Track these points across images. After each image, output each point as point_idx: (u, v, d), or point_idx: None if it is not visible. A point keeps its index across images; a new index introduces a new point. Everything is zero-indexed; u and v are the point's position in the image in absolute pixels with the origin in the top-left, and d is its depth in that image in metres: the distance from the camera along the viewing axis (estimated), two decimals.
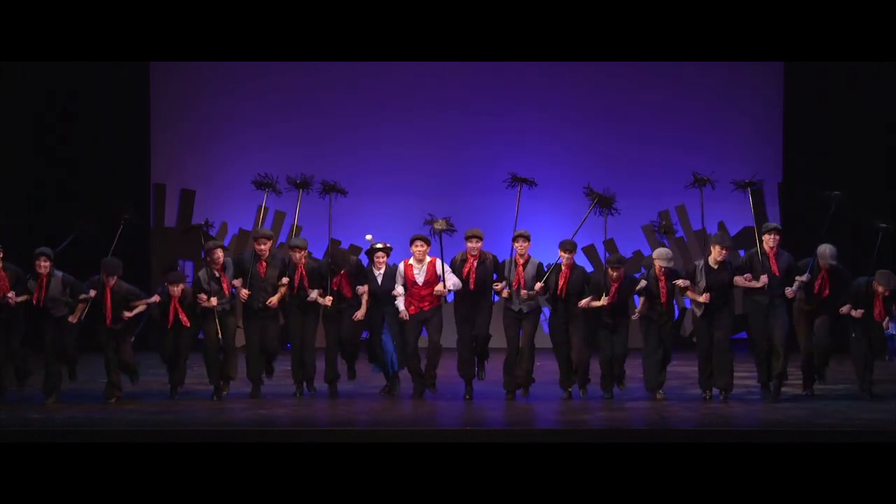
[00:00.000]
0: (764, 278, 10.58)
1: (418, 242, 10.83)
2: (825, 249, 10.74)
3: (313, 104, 16.58)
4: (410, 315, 10.82)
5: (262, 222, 16.22)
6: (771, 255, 10.67)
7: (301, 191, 11.77)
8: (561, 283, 10.67)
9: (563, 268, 10.68)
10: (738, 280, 10.74)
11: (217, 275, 10.91)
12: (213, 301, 10.79)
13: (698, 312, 10.76)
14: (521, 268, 10.68)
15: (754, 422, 9.29)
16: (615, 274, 10.59)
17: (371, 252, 11.03)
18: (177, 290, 10.69)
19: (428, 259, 10.85)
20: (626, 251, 16.50)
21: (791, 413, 9.69)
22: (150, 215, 16.27)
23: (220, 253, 10.94)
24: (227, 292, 10.95)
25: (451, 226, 10.78)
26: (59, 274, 10.69)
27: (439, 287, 10.72)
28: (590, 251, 16.25)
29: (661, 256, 10.71)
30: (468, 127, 16.52)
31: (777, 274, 10.64)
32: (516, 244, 10.73)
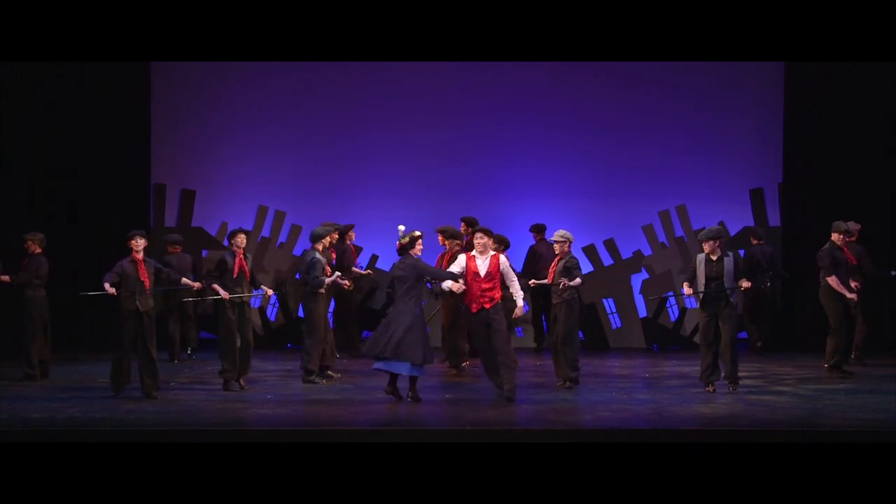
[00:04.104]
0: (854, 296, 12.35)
1: (479, 234, 10.57)
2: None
3: (314, 105, 16.53)
4: (473, 315, 10.56)
5: (263, 222, 16.36)
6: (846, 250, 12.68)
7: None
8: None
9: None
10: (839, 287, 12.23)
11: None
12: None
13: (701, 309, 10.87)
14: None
15: (754, 422, 9.29)
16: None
17: (413, 241, 10.64)
18: (240, 240, 11.18)
19: (491, 253, 10.60)
20: (626, 251, 16.48)
21: (791, 413, 9.69)
22: (150, 215, 16.25)
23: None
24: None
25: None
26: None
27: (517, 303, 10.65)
28: (590, 251, 16.24)
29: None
30: (470, 129, 16.45)
31: (854, 263, 12.91)
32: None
